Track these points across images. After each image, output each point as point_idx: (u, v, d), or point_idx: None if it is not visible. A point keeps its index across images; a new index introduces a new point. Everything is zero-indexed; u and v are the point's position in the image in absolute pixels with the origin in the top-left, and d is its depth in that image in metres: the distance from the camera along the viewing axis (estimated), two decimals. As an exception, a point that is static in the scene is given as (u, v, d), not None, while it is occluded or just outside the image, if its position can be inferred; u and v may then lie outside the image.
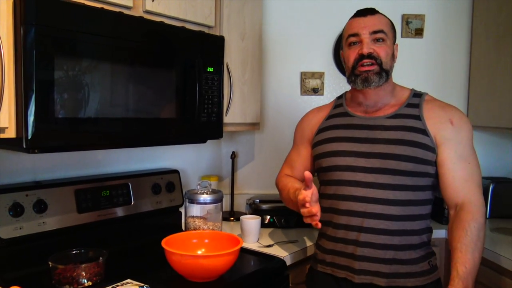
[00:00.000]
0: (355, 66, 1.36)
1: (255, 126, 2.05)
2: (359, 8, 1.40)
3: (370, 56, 1.33)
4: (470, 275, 1.19)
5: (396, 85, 1.45)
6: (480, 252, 1.24)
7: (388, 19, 1.40)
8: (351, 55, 1.38)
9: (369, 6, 1.40)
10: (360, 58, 1.35)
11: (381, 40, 1.35)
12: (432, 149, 1.31)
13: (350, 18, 1.41)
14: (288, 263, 1.61)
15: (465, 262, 1.20)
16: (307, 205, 1.23)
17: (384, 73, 1.35)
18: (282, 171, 1.63)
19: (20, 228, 1.36)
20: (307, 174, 1.23)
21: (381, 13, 1.39)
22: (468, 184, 1.30)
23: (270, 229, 1.96)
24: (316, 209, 1.23)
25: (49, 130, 1.18)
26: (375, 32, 1.34)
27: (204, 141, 1.72)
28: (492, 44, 2.18)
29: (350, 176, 1.35)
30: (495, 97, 2.16)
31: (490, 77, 2.20)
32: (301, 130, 1.59)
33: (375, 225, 1.30)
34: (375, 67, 1.34)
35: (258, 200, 2.07)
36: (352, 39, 1.37)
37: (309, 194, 1.23)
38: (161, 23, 1.49)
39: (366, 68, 1.34)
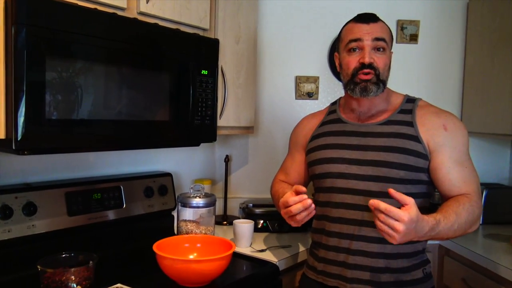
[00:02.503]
0: (354, 74, 1.34)
1: (249, 129, 2.04)
2: (354, 14, 1.39)
3: (370, 65, 1.32)
4: (442, 226, 1.15)
5: (390, 91, 1.43)
6: (460, 228, 1.20)
7: (388, 27, 1.38)
8: (351, 63, 1.35)
9: (365, 11, 1.39)
10: (361, 67, 1.32)
11: (381, 49, 1.33)
12: (425, 156, 1.30)
13: (350, 22, 1.38)
14: (281, 268, 1.60)
15: (447, 216, 1.17)
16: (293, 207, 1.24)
17: (382, 83, 1.34)
18: (276, 177, 1.63)
19: (9, 231, 1.34)
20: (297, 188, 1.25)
21: (382, 21, 1.37)
22: (467, 185, 1.28)
23: (263, 234, 1.95)
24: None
25: (40, 132, 1.16)
26: (377, 39, 1.32)
27: (198, 144, 1.71)
28: (486, 50, 2.19)
29: (343, 183, 1.34)
30: (488, 103, 2.17)
31: (484, 83, 2.21)
32: (295, 136, 1.59)
33: (367, 233, 1.29)
34: (372, 77, 1.32)
35: (251, 204, 2.06)
36: (353, 44, 1.34)
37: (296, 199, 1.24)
38: (155, 25, 1.48)
39: (365, 77, 1.32)
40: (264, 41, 2.28)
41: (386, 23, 1.40)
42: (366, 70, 1.32)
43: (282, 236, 1.92)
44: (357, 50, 1.34)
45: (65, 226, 1.48)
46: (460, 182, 1.28)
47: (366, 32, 1.32)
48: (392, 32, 1.42)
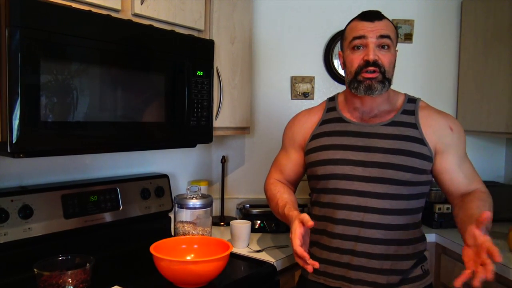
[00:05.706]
0: (358, 72, 1.31)
1: (245, 130, 2.04)
2: (350, 13, 1.38)
3: (375, 63, 1.29)
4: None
5: (390, 89, 1.40)
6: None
7: (394, 24, 1.36)
8: (355, 60, 1.32)
9: (360, 10, 1.37)
10: (365, 64, 1.30)
11: (386, 46, 1.30)
12: (429, 158, 1.31)
13: (354, 20, 1.35)
14: (278, 268, 1.60)
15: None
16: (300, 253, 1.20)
17: (387, 82, 1.32)
18: (271, 176, 1.57)
19: (5, 234, 1.33)
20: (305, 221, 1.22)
21: (387, 18, 1.34)
22: (473, 179, 1.35)
23: (260, 234, 1.95)
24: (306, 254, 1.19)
25: (35, 134, 1.16)
26: (382, 36, 1.29)
27: (194, 146, 1.71)
28: (480, 49, 2.21)
29: (347, 185, 1.32)
30: (483, 101, 2.18)
31: (478, 82, 2.22)
32: (291, 133, 1.52)
33: (372, 235, 1.28)
34: (378, 75, 1.30)
35: (248, 205, 2.06)
36: (357, 41, 1.31)
37: (301, 238, 1.21)
38: (150, 26, 1.48)
39: (370, 76, 1.29)
40: (259, 41, 2.28)
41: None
42: (371, 68, 1.29)
43: (279, 236, 1.92)
44: (361, 47, 1.31)
45: (62, 228, 1.48)
46: (467, 178, 1.35)
47: (371, 30, 1.29)
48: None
